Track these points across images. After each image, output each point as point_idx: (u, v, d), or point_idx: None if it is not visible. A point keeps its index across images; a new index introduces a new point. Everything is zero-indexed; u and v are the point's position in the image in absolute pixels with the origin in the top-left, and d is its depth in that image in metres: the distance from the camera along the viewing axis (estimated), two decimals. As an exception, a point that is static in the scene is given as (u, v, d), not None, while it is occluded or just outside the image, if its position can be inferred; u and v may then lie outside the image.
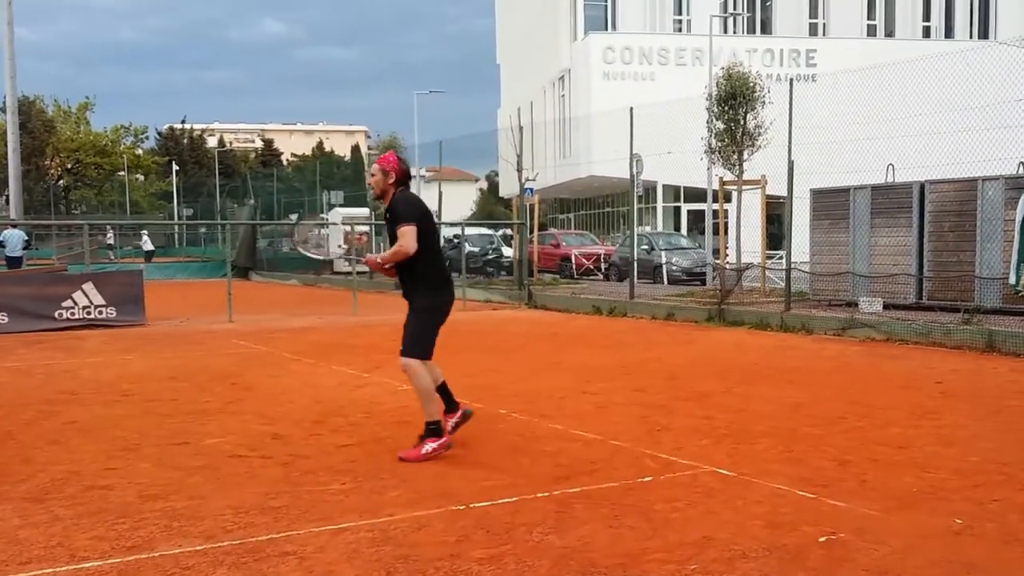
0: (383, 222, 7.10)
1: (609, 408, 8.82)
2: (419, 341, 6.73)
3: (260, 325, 17.70)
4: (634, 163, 21.52)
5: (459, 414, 7.17)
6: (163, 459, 6.91)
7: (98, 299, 17.38)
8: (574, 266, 30.46)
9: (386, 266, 6.80)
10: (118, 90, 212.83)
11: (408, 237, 6.61)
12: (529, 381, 9.80)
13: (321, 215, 37.25)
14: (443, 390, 7.04)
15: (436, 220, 7.12)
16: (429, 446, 6.74)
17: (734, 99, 18.85)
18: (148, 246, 48.42)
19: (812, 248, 17.56)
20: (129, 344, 14.73)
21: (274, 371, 11.58)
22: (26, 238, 26.35)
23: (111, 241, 50.48)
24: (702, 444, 7.23)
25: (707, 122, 19.48)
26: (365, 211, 35.30)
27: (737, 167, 19.16)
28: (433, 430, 6.79)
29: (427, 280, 6.78)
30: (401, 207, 6.73)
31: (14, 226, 26.05)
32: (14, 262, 25.76)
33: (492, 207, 79.78)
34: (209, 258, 44.88)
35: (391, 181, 6.83)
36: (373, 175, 6.90)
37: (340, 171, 68.03)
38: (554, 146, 53.42)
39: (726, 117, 18.99)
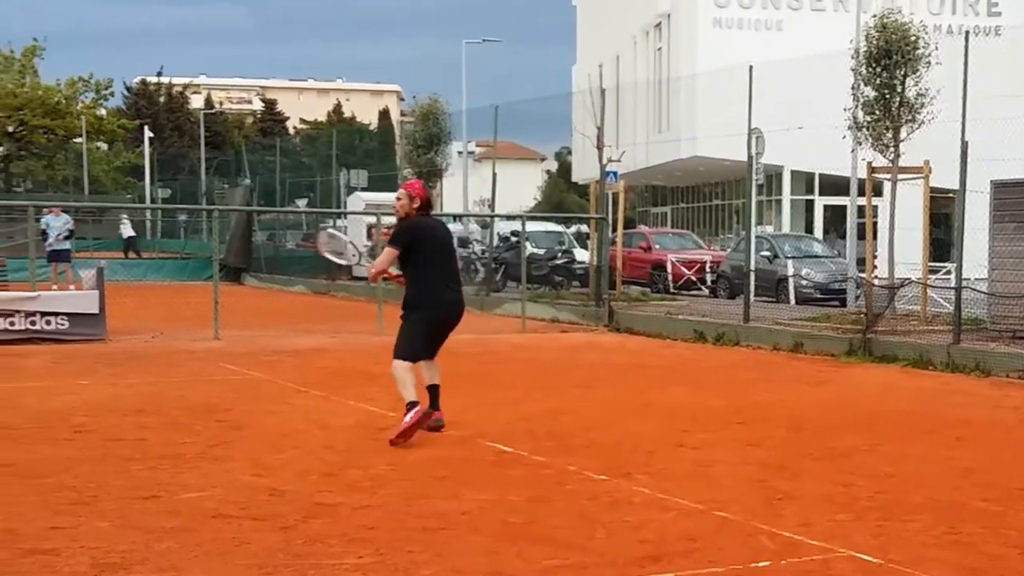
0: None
1: (714, 467, 8.78)
2: (400, 343, 9.71)
3: (256, 344, 17.82)
4: (753, 140, 21.42)
5: (436, 416, 9.87)
6: (125, 517, 6.99)
7: (46, 306, 17.58)
8: (670, 276, 30.34)
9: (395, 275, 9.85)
10: (76, 30, 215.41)
11: (382, 256, 9.80)
12: (608, 428, 9.76)
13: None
14: (433, 391, 9.94)
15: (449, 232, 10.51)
16: (410, 415, 9.31)
17: (889, 57, 18.64)
18: (128, 231, 47.61)
19: (992, 260, 17.31)
20: (84, 365, 14.91)
21: (272, 405, 11.67)
22: (71, 226, 27.95)
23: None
24: (837, 519, 7.18)
25: (852, 88, 19.30)
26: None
27: (892, 149, 18.94)
28: (410, 406, 9.36)
29: (409, 295, 9.77)
30: (397, 230, 9.82)
31: (65, 211, 27.53)
32: (58, 255, 27.14)
33: (563, 195, 79.80)
34: (191, 254, 45.07)
35: (415, 206, 9.67)
36: (399, 199, 9.75)
37: (364, 143, 68.51)
38: (647, 116, 53.33)
39: (878, 82, 18.78)
